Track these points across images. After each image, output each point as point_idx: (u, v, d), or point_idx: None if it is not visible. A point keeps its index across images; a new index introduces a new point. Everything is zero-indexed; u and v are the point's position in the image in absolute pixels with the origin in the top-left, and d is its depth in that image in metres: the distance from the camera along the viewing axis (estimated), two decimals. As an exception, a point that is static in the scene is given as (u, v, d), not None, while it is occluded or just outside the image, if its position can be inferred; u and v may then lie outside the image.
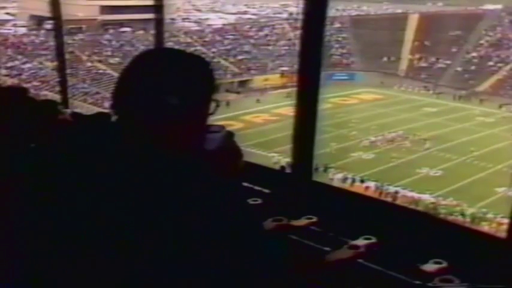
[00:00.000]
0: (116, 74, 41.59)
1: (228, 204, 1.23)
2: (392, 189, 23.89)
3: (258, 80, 44.42)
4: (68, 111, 5.00)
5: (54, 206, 1.16)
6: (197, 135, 1.28)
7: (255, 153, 23.99)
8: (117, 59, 42.88)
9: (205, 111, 1.27)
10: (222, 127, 1.34)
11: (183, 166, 1.22)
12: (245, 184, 2.92)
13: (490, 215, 21.40)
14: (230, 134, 1.34)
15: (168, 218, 1.12)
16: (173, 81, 1.22)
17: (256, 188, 3.07)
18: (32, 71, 40.03)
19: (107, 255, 1.11)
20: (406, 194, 23.48)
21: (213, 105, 1.27)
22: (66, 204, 1.15)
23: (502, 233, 2.90)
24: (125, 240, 1.11)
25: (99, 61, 43.02)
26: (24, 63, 40.95)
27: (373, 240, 2.26)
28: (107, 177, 1.15)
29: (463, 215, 21.80)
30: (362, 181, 24.86)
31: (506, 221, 3.68)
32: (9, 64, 40.61)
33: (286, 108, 29.86)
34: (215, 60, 42.58)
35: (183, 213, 1.13)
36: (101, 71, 41.77)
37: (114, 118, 1.25)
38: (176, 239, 1.11)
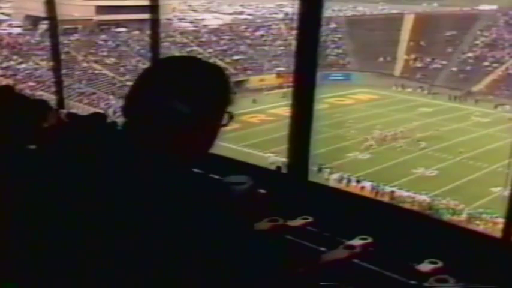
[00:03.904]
0: (111, 75, 41.73)
1: (225, 211, 1.22)
2: (388, 189, 23.93)
3: (254, 80, 44.38)
4: (64, 111, 4.99)
5: (52, 208, 1.15)
6: (205, 146, 1.27)
7: (251, 154, 24.00)
8: (112, 59, 42.80)
9: (216, 122, 1.25)
10: (248, 178, 1.33)
11: (184, 176, 1.21)
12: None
13: (485, 215, 21.47)
14: (255, 186, 1.34)
15: (168, 226, 1.11)
16: (186, 89, 1.21)
17: (252, 188, 3.06)
18: (28, 71, 39.89)
19: (106, 259, 1.11)
20: (402, 194, 23.53)
21: (226, 117, 1.26)
22: (63, 206, 1.14)
23: (498, 233, 2.91)
24: (122, 244, 1.10)
25: (95, 61, 42.90)
26: (19, 63, 40.81)
27: (369, 240, 2.26)
28: (109, 181, 1.14)
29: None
30: (358, 181, 24.88)
31: (501, 220, 3.69)
32: (5, 64, 40.47)
33: (282, 109, 29.82)
34: (211, 60, 42.47)
35: (182, 224, 1.12)
36: (96, 71, 41.67)
37: (122, 121, 1.24)
38: (173, 244, 1.11)
